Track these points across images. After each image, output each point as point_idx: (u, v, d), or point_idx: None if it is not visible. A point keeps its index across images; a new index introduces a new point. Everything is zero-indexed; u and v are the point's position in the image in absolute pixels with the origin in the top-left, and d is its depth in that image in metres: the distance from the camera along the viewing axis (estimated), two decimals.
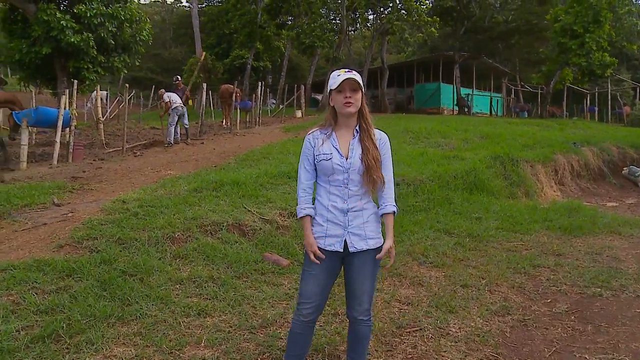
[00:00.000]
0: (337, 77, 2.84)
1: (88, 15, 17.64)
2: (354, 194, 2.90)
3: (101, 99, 34.02)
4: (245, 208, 6.62)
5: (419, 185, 9.22)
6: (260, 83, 21.63)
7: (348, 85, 2.82)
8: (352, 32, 40.69)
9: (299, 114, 25.39)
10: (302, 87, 26.52)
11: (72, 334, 3.56)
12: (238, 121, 20.11)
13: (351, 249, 2.92)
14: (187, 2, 46.82)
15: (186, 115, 15.43)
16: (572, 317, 4.48)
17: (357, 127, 2.94)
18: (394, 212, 2.99)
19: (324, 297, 3.01)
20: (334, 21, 33.23)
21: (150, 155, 12.66)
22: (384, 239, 2.96)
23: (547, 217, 8.48)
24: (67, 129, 11.95)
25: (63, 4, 18.81)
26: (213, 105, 33.41)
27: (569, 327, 4.27)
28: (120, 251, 4.96)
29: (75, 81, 13.01)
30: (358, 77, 2.84)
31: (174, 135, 15.03)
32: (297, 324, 3.01)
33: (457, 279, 5.33)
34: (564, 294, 5.05)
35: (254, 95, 22.58)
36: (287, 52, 39.61)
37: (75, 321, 3.68)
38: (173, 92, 15.63)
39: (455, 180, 9.89)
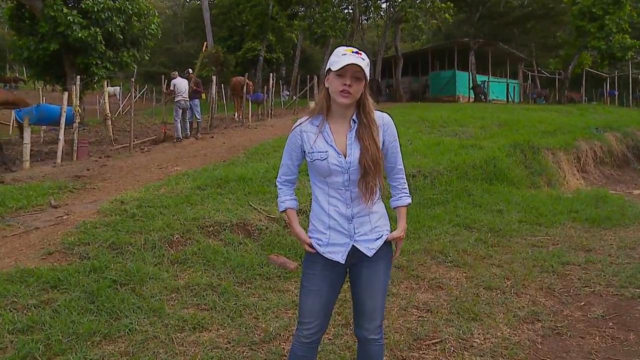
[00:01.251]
0: (340, 57, 2.32)
1: (95, 9, 17.36)
2: (358, 196, 2.43)
3: (114, 95, 34.21)
4: (251, 206, 6.21)
5: (436, 177, 8.74)
6: (271, 75, 21.13)
7: (351, 71, 2.29)
8: (365, 21, 39.99)
9: (312, 104, 24.71)
10: (315, 77, 26.00)
11: (50, 356, 3.17)
12: (250, 114, 19.71)
13: (357, 259, 2.48)
14: None
15: (198, 109, 14.81)
16: (610, 324, 4.00)
17: (355, 117, 2.44)
18: (407, 204, 2.61)
19: (327, 314, 2.56)
20: (346, 10, 32.68)
21: (158, 151, 12.30)
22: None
23: (572, 208, 7.97)
24: (73, 125, 11.59)
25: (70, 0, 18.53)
26: (225, 99, 33.04)
27: (608, 336, 3.79)
28: (113, 257, 4.57)
29: (78, 77, 12.66)
30: (365, 63, 2.32)
31: (185, 130, 14.53)
32: (298, 346, 2.57)
33: (479, 280, 4.86)
34: (599, 295, 4.57)
35: (265, 87, 22.09)
36: (300, 43, 38.99)
37: (55, 341, 3.28)
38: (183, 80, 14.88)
39: (473, 170, 9.39)
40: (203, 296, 4.18)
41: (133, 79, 15.81)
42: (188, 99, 14.44)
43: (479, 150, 10.56)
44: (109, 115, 16.01)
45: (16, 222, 5.82)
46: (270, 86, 20.12)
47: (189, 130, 14.77)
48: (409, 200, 2.60)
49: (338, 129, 2.43)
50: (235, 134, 15.41)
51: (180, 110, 14.27)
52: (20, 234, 5.41)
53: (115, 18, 18.01)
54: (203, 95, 20.33)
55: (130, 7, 18.47)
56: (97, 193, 7.60)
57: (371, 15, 37.34)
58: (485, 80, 31.83)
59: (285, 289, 4.53)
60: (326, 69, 2.44)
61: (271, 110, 20.95)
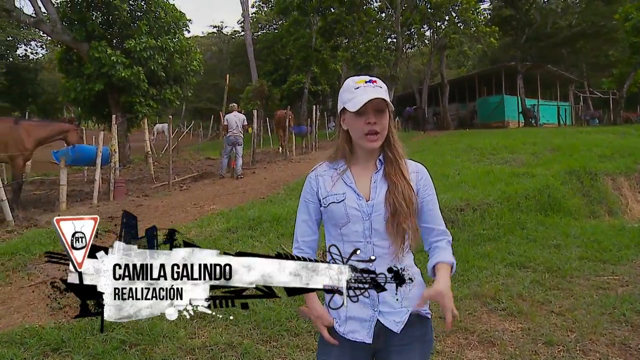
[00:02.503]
0: (355, 93, 1.94)
1: (138, 49, 17.58)
2: (384, 253, 1.93)
3: (162, 132, 34.76)
4: (283, 249, 5.77)
5: (486, 210, 8.10)
6: (315, 106, 20.97)
7: (372, 106, 1.92)
8: (409, 49, 39.70)
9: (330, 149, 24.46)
10: None
11: None
12: (294, 147, 19.50)
13: (384, 340, 1.96)
14: (242, 30, 47.22)
15: (241, 148, 13.80)
16: None
17: (381, 157, 2.04)
18: (452, 265, 1.98)
19: None
20: (389, 39, 32.48)
21: (197, 189, 12.08)
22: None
23: None
24: (112, 165, 11.51)
25: (115, 40, 18.91)
26: (270, 132, 33.14)
27: None
28: None
29: (114, 116, 12.66)
30: (385, 92, 1.94)
31: (237, 168, 13.71)
32: None
33: (538, 332, 4.24)
34: None
35: (309, 119, 21.91)
36: (344, 74, 38.93)
37: None
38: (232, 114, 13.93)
39: (526, 200, 8.70)
40: (220, 358, 3.72)
41: (170, 117, 15.85)
42: (239, 135, 13.64)
43: (532, 179, 9.87)
44: (150, 152, 15.99)
45: (37, 271, 5.56)
46: (314, 118, 19.91)
47: (239, 167, 13.90)
48: (453, 259, 2.00)
49: (360, 172, 2.05)
50: (277, 168, 15.15)
51: (230, 147, 13.75)
52: (37, 284, 5.12)
53: (157, 56, 18.18)
54: (250, 129, 20.34)
55: (172, 45, 18.63)
56: None
57: (415, 43, 37.07)
58: (534, 104, 30.84)
59: (316, 347, 4.02)
60: (339, 108, 2.04)
61: (315, 142, 20.70)
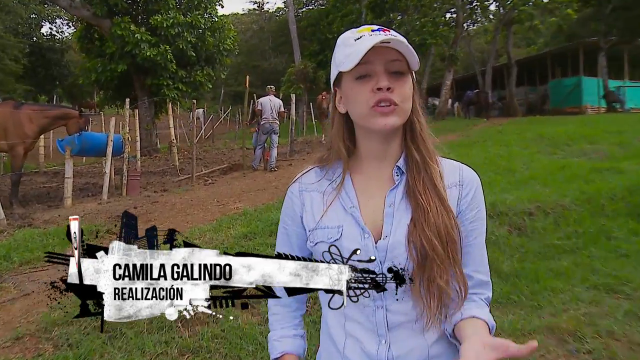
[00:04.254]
0: (353, 45, 1.34)
1: (164, 25, 17.40)
2: (403, 321, 1.37)
3: (198, 118, 34.89)
4: None
5: (561, 214, 7.23)
6: None
7: (382, 60, 1.33)
8: (471, 25, 38.49)
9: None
10: None
11: None
12: None
13: None
14: (285, 5, 46.98)
15: (276, 136, 13.28)
16: None
17: (402, 162, 1.43)
18: (490, 327, 1.34)
19: None
20: (448, 14, 31.56)
21: (223, 183, 11.66)
22: None
23: None
24: (124, 155, 11.16)
25: (139, 16, 18.72)
26: (314, 118, 32.69)
27: None
28: (101, 345, 3.61)
29: (128, 99, 12.32)
30: (401, 40, 1.33)
31: (271, 160, 13.14)
32: None
33: None
34: None
35: None
36: None
37: None
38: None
39: (613, 203, 7.74)
40: None
41: (194, 102, 15.41)
42: (275, 122, 13.06)
43: (619, 175, 8.91)
44: (174, 141, 15.67)
45: (12, 283, 5.08)
46: None
47: (273, 159, 13.29)
48: (493, 321, 1.37)
49: (368, 185, 1.46)
50: None
51: (265, 136, 13.14)
52: (8, 301, 4.62)
53: (186, 34, 17.94)
54: (285, 116, 19.85)
55: (202, 21, 18.33)
56: None
57: (478, 18, 35.86)
58: (620, 86, 29.21)
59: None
60: (332, 79, 1.46)
61: None
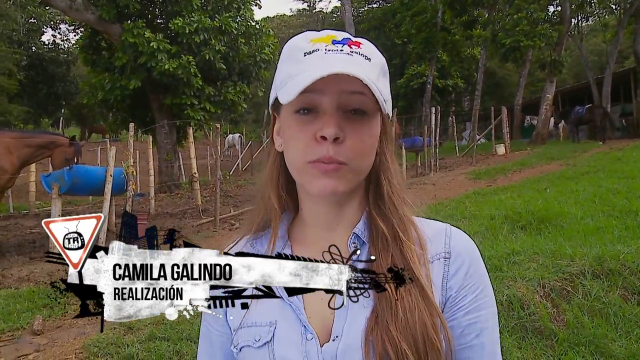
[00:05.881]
0: (301, 61, 1.25)
1: (187, 31, 17.55)
2: None
3: (234, 145, 35.43)
4: None
5: None
6: (434, 108, 20.24)
7: (336, 90, 1.22)
8: (583, 20, 38.00)
9: (500, 149, 23.78)
10: (503, 109, 24.71)
11: None
12: (404, 166, 18.79)
13: None
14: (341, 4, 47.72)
15: None
16: None
17: (364, 225, 1.36)
18: None
19: None
20: (550, 7, 31.28)
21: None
22: None
23: None
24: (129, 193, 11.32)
25: (156, 20, 19.07)
26: None
27: None
28: None
29: (132, 124, 12.41)
30: (373, 68, 1.26)
31: None
32: None
33: None
34: None
35: (425, 128, 21.19)
36: (482, 62, 37.93)
37: None
38: None
39: None
40: None
41: (219, 126, 15.49)
42: None
43: None
44: (196, 175, 15.81)
45: None
46: (433, 124, 19.12)
47: None
48: None
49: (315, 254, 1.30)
50: None
51: None
52: None
53: (214, 41, 18.05)
54: None
55: (234, 25, 18.46)
56: None
57: (593, 10, 35.30)
58: None
59: None
60: (271, 102, 1.36)
61: (435, 160, 19.90)
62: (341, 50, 1.23)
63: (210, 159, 28.39)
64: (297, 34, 1.27)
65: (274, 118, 1.38)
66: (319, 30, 1.25)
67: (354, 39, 1.28)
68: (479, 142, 27.29)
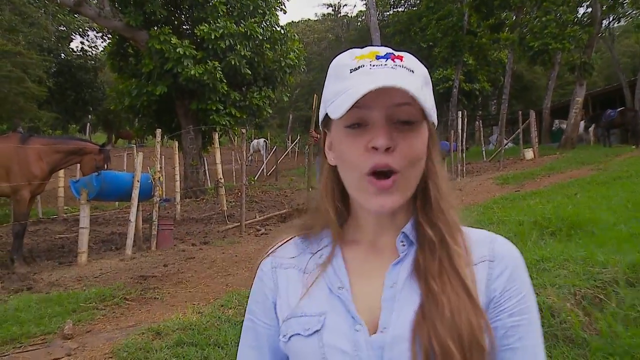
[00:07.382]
0: (347, 78, 1.28)
1: (213, 37, 17.69)
2: None
3: (259, 150, 35.50)
4: None
5: None
6: (460, 112, 20.16)
7: (383, 104, 1.26)
8: (615, 21, 37.62)
9: (528, 154, 23.63)
10: (531, 113, 24.52)
11: None
12: None
13: None
14: (366, 8, 47.70)
15: None
16: None
17: (409, 228, 1.36)
18: None
19: None
20: (580, 8, 31.00)
21: (279, 234, 11.69)
22: None
23: None
24: (155, 199, 11.36)
25: (182, 26, 19.23)
26: None
27: None
28: None
29: (159, 130, 12.48)
30: (418, 79, 1.30)
31: None
32: None
33: None
34: None
35: (452, 132, 21.12)
36: (509, 65, 37.66)
37: None
38: None
39: None
40: None
41: (244, 131, 15.53)
42: None
43: None
44: (222, 180, 15.88)
45: None
46: (459, 129, 19.04)
47: None
48: None
49: (365, 259, 1.40)
50: None
51: None
52: None
53: (240, 47, 18.16)
54: None
55: (260, 31, 18.56)
56: (154, 308, 6.93)
57: (625, 11, 34.83)
58: None
59: None
60: (321, 118, 1.41)
61: (462, 165, 19.81)
62: (385, 65, 1.27)
63: (235, 164, 28.48)
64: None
65: (324, 134, 1.41)
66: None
67: (397, 53, 1.32)
68: (506, 146, 27.08)
